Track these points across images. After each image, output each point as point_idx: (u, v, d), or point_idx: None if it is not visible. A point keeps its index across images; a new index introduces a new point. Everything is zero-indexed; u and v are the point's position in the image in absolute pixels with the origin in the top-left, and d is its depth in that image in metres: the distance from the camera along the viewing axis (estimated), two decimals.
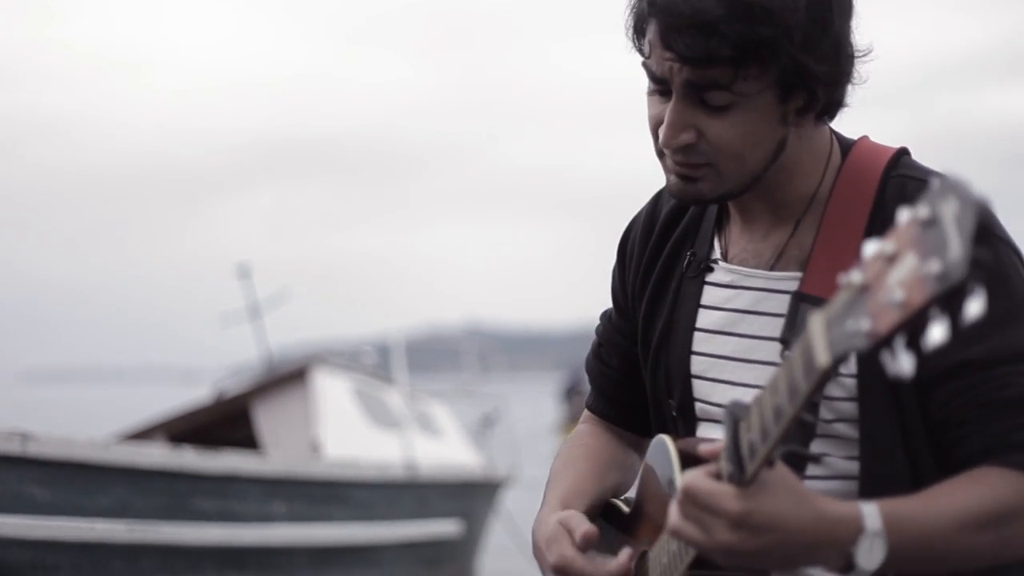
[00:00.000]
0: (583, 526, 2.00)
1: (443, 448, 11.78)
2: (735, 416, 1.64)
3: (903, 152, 1.97)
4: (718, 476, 1.68)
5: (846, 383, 1.87)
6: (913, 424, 1.85)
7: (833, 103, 1.91)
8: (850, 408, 1.88)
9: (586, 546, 1.99)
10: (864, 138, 2.01)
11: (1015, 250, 1.87)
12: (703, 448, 1.74)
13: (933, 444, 1.86)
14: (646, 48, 1.90)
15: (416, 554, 10.42)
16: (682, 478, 1.70)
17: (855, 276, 1.41)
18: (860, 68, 1.91)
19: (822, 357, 1.44)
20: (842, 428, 1.89)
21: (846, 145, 2.00)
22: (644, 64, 1.92)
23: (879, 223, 1.89)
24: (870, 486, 1.86)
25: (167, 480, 8.01)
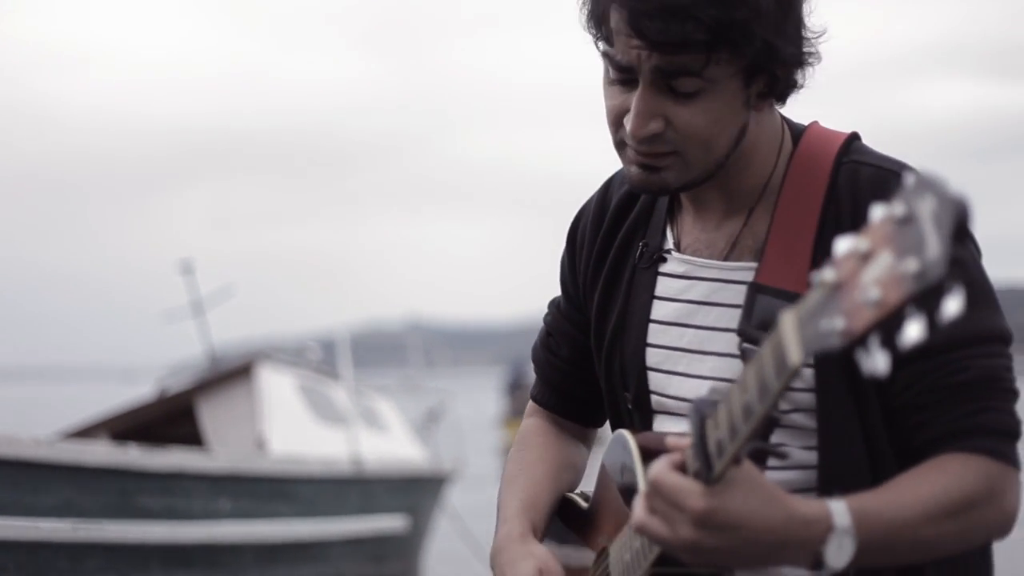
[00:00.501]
0: None
1: (388, 443, 11.76)
2: (701, 413, 1.61)
3: (854, 137, 1.95)
4: (684, 470, 1.66)
5: (804, 373, 1.85)
6: (871, 413, 1.85)
7: (790, 86, 1.90)
8: (808, 398, 1.87)
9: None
10: (814, 123, 2.00)
11: (970, 235, 1.86)
12: (670, 442, 1.72)
13: (891, 432, 1.85)
14: (607, 36, 1.86)
15: (362, 550, 10.40)
16: (650, 471, 1.68)
17: (828, 274, 1.39)
18: (817, 49, 1.89)
19: (794, 356, 1.42)
20: (800, 418, 1.88)
21: (797, 131, 1.98)
22: (605, 53, 1.88)
23: (833, 210, 1.88)
24: (828, 476, 1.85)
25: (112, 478, 7.95)
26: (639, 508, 1.68)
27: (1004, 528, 1.83)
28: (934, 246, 1.28)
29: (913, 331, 1.32)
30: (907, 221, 1.31)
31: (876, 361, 1.36)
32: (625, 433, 1.93)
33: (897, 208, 1.33)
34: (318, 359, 12.48)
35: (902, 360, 1.77)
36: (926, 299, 1.31)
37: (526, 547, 2.03)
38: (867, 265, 1.34)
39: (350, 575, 10.25)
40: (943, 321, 1.31)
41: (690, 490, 1.63)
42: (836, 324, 1.36)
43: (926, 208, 1.30)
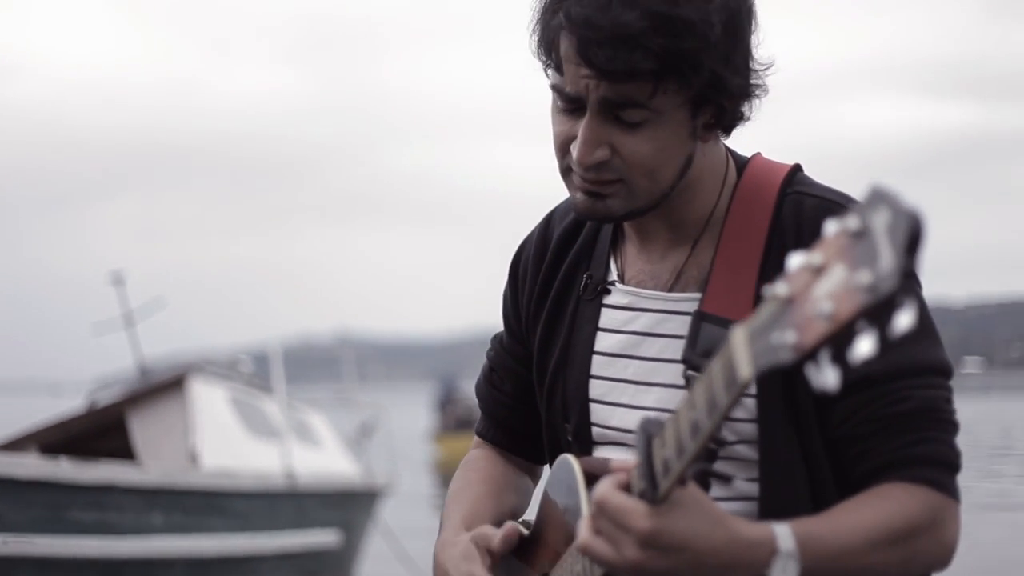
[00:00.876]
0: (497, 535, 1.97)
1: (321, 457, 11.71)
2: (648, 432, 1.60)
3: (797, 169, 1.96)
4: (629, 491, 1.65)
5: (747, 403, 1.86)
6: (813, 443, 1.85)
7: (736, 118, 1.90)
8: (750, 429, 1.86)
9: (507, 547, 1.96)
10: (758, 155, 2.00)
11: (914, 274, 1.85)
12: (615, 464, 1.70)
13: (833, 462, 1.86)
14: (555, 64, 1.85)
15: (295, 564, 10.35)
16: (595, 491, 1.67)
17: (780, 288, 1.38)
18: (764, 81, 1.89)
19: (744, 370, 1.41)
20: (743, 449, 1.88)
21: (741, 162, 1.99)
22: (554, 83, 1.88)
23: (777, 241, 1.89)
24: (770, 506, 1.85)
25: (42, 491, 7.87)
26: (583, 529, 1.67)
27: (944, 560, 1.84)
28: (888, 259, 1.28)
29: (864, 346, 1.31)
30: (861, 234, 1.31)
31: (826, 377, 1.35)
32: (569, 457, 1.92)
33: (851, 222, 1.32)
34: (250, 372, 12.41)
35: (844, 390, 1.74)
36: (878, 314, 1.30)
37: (461, 534, 2.03)
38: (820, 279, 1.33)
39: None
40: (895, 335, 1.30)
41: (635, 510, 1.62)
42: (787, 338, 1.35)
43: (880, 221, 1.29)
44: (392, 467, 13.82)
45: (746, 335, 1.42)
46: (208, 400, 10.53)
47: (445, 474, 28.40)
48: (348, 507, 11.47)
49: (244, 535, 9.61)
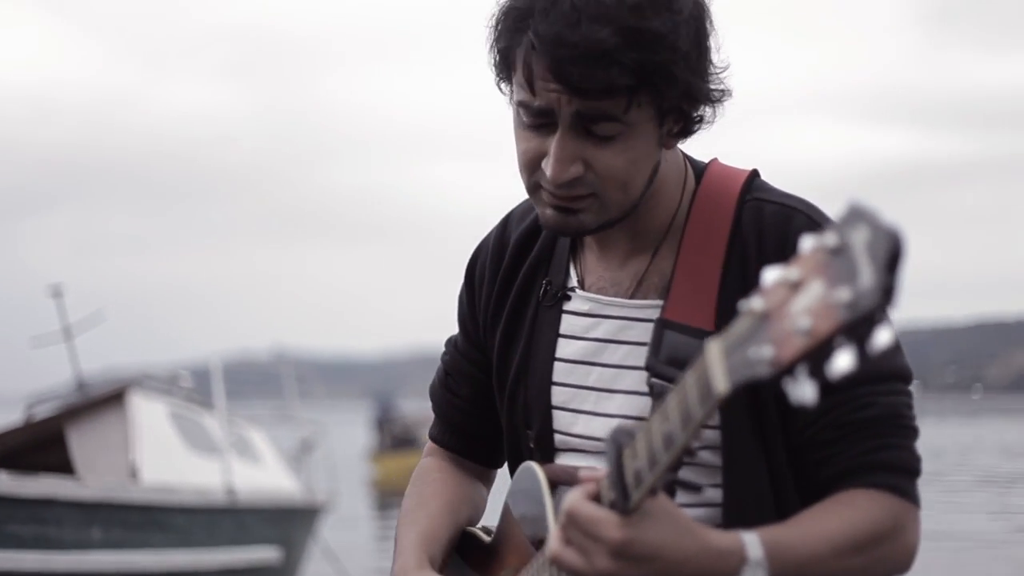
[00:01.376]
0: None
1: (262, 473, 11.64)
2: (618, 443, 1.60)
3: (755, 174, 1.97)
4: (599, 501, 1.65)
5: None
6: (776, 449, 1.87)
7: (701, 123, 1.90)
8: (713, 435, 1.87)
9: None
10: (715, 161, 2.00)
11: None
12: (583, 474, 1.70)
13: (795, 468, 1.88)
14: (522, 81, 1.83)
15: None
16: (565, 501, 1.67)
17: (756, 303, 1.38)
18: (727, 85, 1.89)
19: (720, 384, 1.40)
20: (706, 455, 1.88)
21: (698, 168, 1.99)
22: (520, 98, 1.85)
23: (738, 247, 1.89)
24: (734, 512, 1.87)
25: None
26: (554, 539, 1.68)
27: (905, 564, 1.87)
28: (867, 276, 1.28)
29: (843, 361, 1.31)
30: (839, 251, 1.31)
31: (804, 391, 1.35)
32: (532, 464, 1.92)
33: (829, 239, 1.33)
34: (190, 387, 12.32)
35: None
36: (857, 330, 1.30)
37: (422, 574, 2.02)
38: (797, 294, 1.34)
39: None
40: (874, 352, 1.31)
41: (607, 520, 1.62)
42: (764, 353, 1.35)
43: (859, 238, 1.30)
44: (332, 484, 13.77)
45: (721, 349, 1.42)
46: (148, 414, 10.44)
47: (382, 492, 28.30)
48: (288, 524, 11.42)
49: (184, 551, 9.54)
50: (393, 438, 33.02)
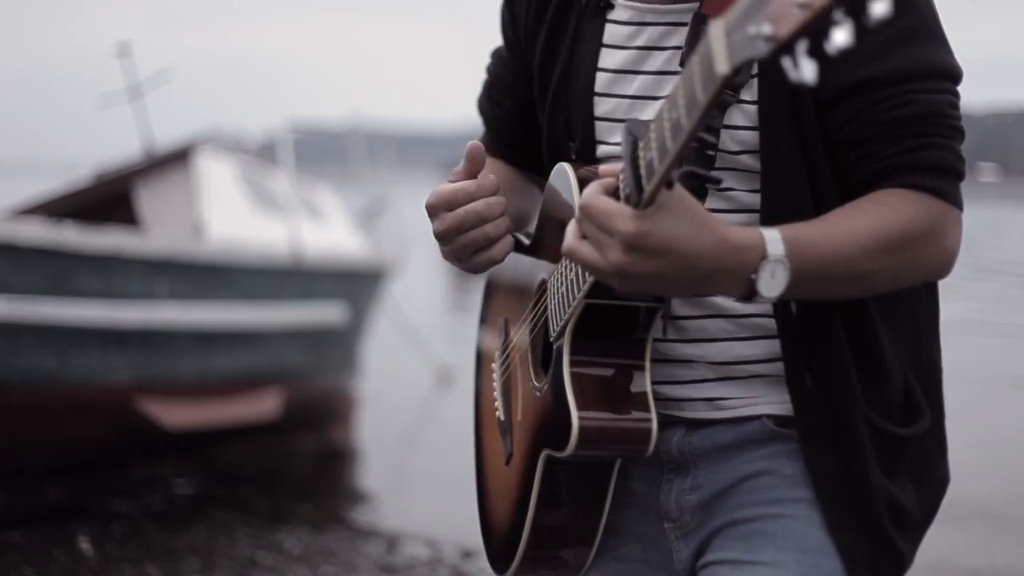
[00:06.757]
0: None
1: (329, 235, 11.68)
2: (633, 134, 1.58)
3: None
4: (616, 195, 1.63)
5: (748, 110, 1.82)
6: (815, 151, 1.81)
7: None
8: (752, 137, 1.83)
9: (478, 158, 1.95)
10: None
11: None
12: (603, 169, 1.69)
13: (835, 171, 1.82)
14: None
15: (300, 338, 10.40)
16: (581, 196, 1.65)
17: None
18: None
19: (721, 64, 1.38)
20: (746, 160, 1.84)
21: None
22: None
23: None
24: (772, 217, 1.81)
25: (47, 258, 7.87)
26: (570, 233, 1.66)
27: (943, 268, 1.82)
28: None
29: (840, 36, 1.29)
30: None
31: (803, 70, 1.32)
32: (565, 165, 1.92)
33: None
34: (258, 147, 12.31)
35: (845, 92, 1.77)
36: (854, 3, 1.28)
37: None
38: None
39: (288, 363, 10.27)
40: (871, 23, 1.28)
41: (620, 213, 1.59)
42: (763, 29, 1.32)
43: None
44: (401, 248, 13.80)
45: (723, 29, 1.39)
46: (214, 173, 10.47)
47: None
48: (355, 284, 11.48)
49: (250, 307, 9.64)
50: None
